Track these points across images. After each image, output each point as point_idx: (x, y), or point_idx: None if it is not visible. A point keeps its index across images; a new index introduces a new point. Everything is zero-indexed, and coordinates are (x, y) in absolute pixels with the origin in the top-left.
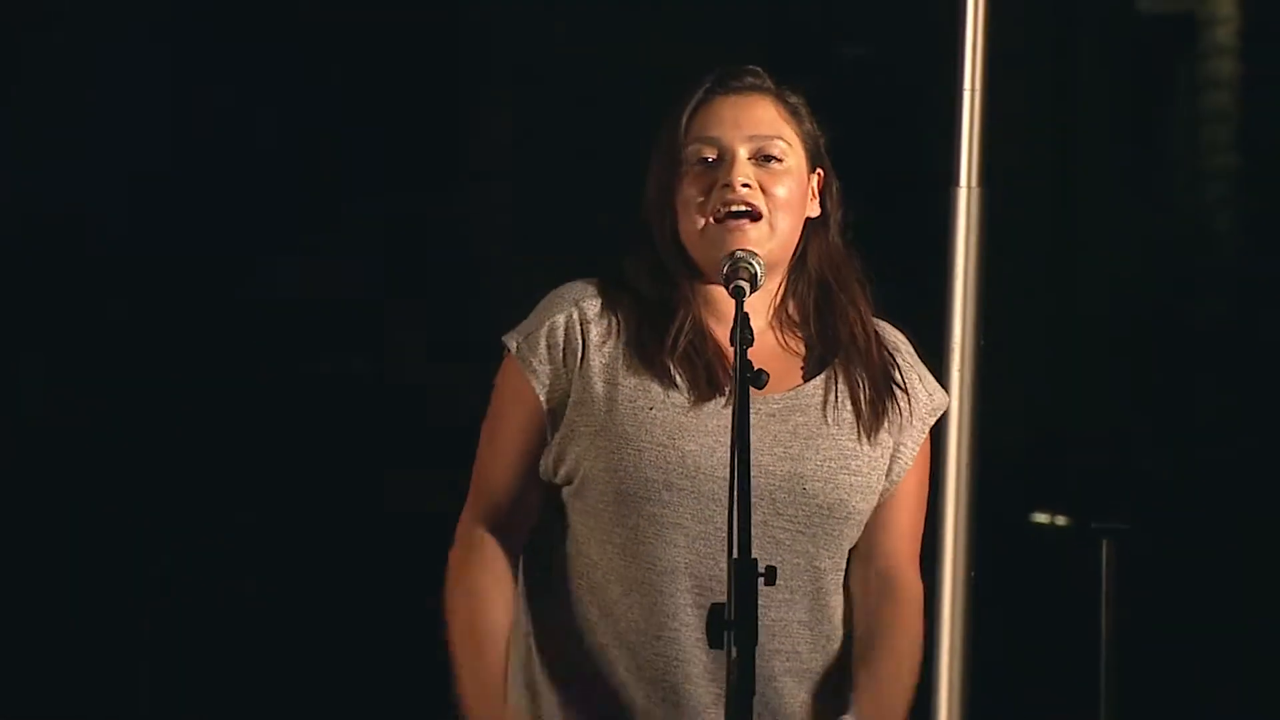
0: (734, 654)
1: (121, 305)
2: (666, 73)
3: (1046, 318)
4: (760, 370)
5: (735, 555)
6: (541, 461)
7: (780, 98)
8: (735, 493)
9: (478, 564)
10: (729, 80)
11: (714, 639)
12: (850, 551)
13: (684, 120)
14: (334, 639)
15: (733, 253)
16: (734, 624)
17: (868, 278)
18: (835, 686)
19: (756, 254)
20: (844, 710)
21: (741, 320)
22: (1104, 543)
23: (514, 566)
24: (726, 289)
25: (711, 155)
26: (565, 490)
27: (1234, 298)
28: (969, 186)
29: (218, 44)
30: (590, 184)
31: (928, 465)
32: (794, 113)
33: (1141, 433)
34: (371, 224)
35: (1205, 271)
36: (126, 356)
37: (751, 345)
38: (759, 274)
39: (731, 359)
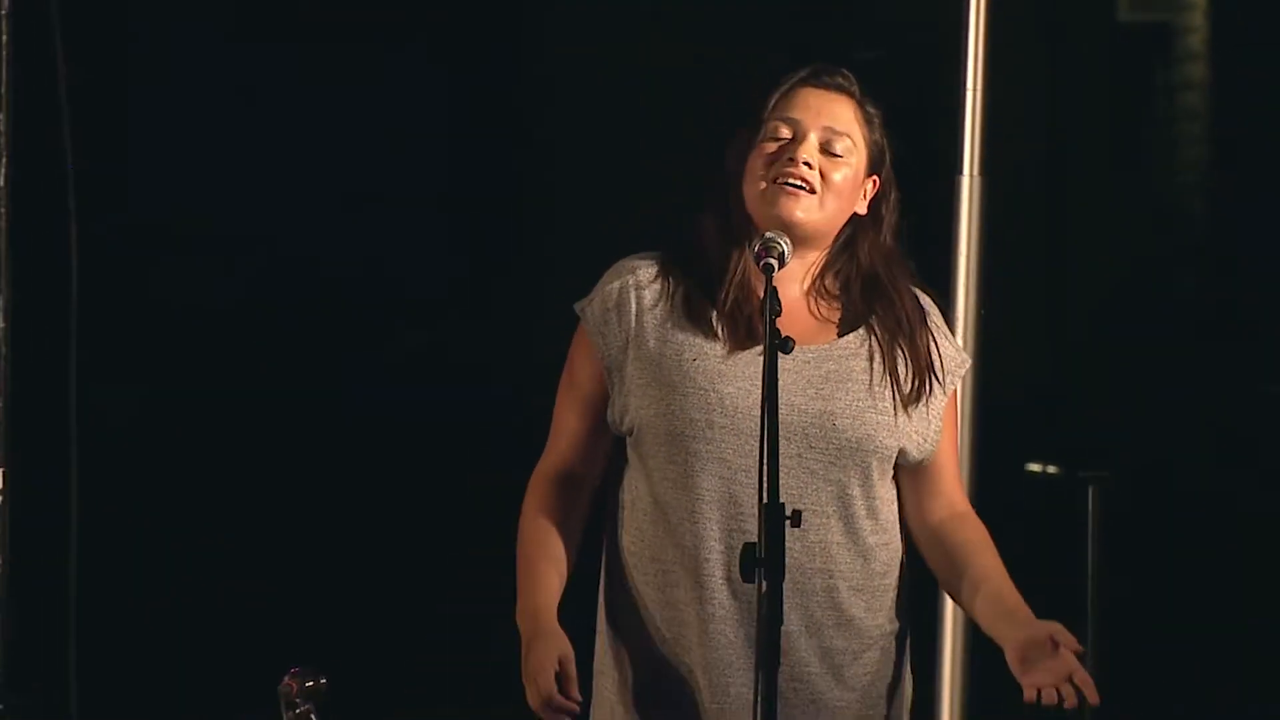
0: (764, 588)
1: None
2: (705, 70)
3: (1039, 289)
4: (788, 337)
5: (765, 500)
6: (609, 414)
7: (860, 104)
8: (765, 443)
9: (543, 502)
10: (822, 75)
11: (746, 574)
12: (917, 506)
13: (772, 100)
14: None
15: (764, 234)
16: (763, 561)
17: (912, 272)
18: (884, 598)
19: (783, 237)
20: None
21: (770, 294)
22: (1090, 489)
23: (578, 506)
24: (757, 264)
25: (787, 133)
26: (628, 440)
27: (1203, 271)
28: (971, 175)
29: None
30: (641, 170)
31: (957, 418)
32: (868, 120)
33: (1125, 391)
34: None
35: (1178, 248)
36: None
37: (779, 315)
38: (785, 253)
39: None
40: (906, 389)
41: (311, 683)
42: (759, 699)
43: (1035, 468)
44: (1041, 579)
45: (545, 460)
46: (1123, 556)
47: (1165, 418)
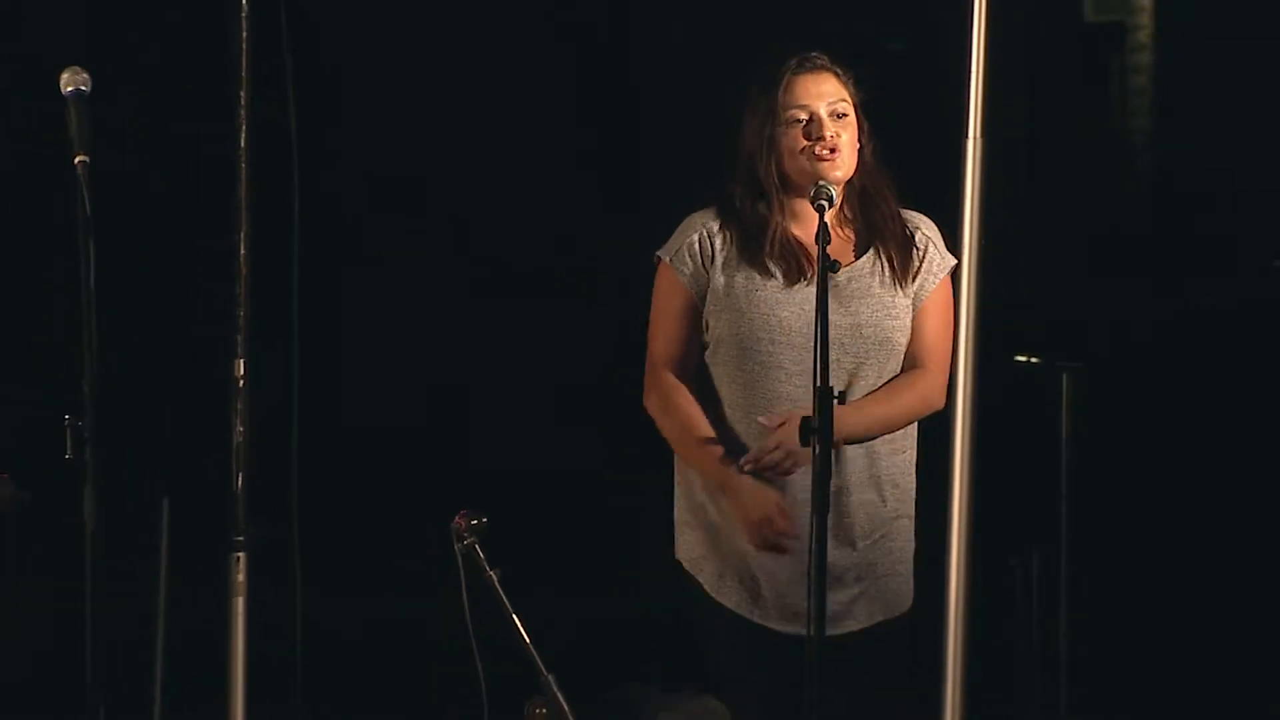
0: (816, 449)
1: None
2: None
3: (1027, 223)
4: (835, 260)
5: (818, 384)
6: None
7: (838, 73)
8: (818, 348)
9: (664, 385)
10: (805, 64)
11: (804, 440)
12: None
13: (779, 93)
14: None
15: (817, 183)
16: (816, 429)
17: (892, 180)
18: (901, 478)
19: (834, 185)
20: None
21: (822, 227)
22: (1064, 376)
23: (686, 383)
24: (813, 205)
25: (804, 116)
26: (706, 352)
27: (1148, 209)
28: (975, 137)
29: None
30: (710, 140)
31: (949, 306)
32: (846, 82)
33: (1090, 299)
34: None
35: (1129, 193)
36: None
37: (830, 244)
38: (834, 196)
39: (809, 252)
40: (902, 271)
41: (476, 521)
42: (813, 538)
43: (1022, 359)
44: (1026, 447)
45: (656, 365)
46: (1090, 429)
47: (1122, 321)
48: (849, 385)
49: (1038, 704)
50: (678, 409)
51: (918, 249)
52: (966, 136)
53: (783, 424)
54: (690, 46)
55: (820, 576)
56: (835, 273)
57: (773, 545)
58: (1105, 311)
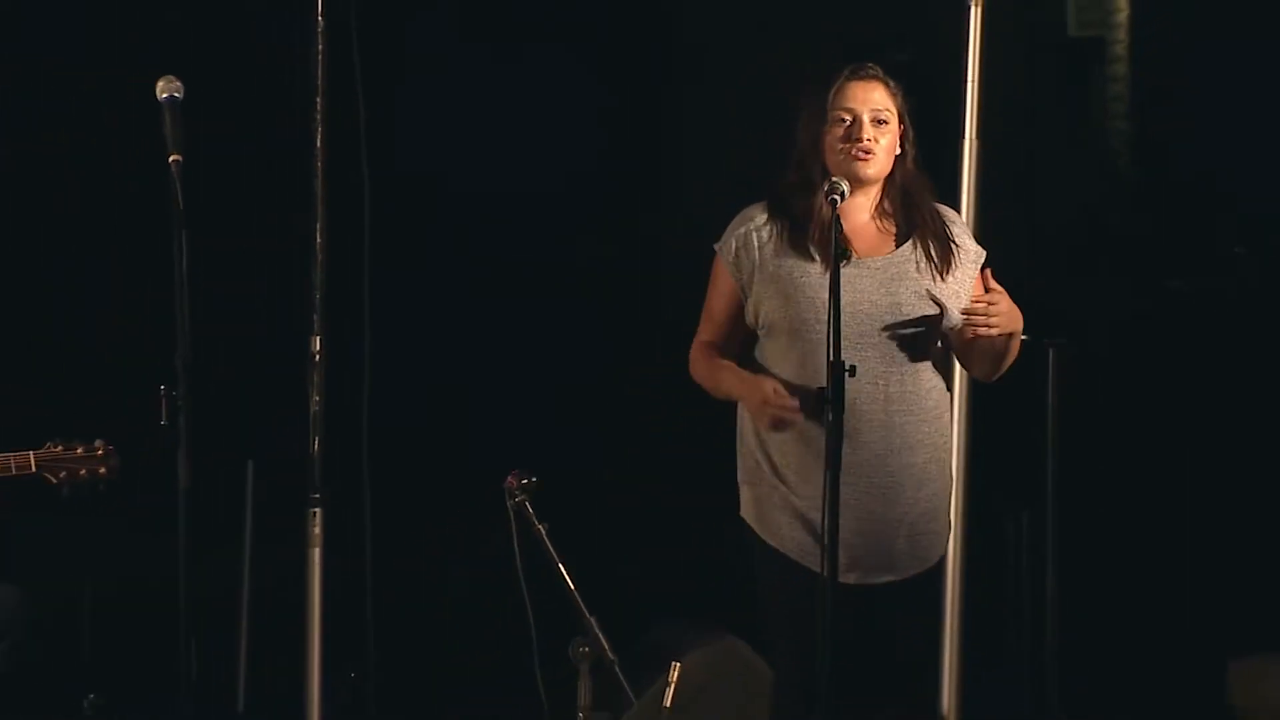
0: (829, 418)
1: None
2: (788, 66)
3: (1018, 213)
4: (849, 250)
5: (831, 359)
6: (746, 315)
7: (887, 84)
8: (832, 317)
9: (705, 355)
10: (859, 71)
11: (819, 409)
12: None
13: (830, 95)
14: None
15: (830, 179)
16: (831, 400)
17: (931, 182)
18: (935, 436)
19: (867, 182)
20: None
21: (836, 220)
22: (1051, 352)
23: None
24: (825, 199)
25: (848, 118)
26: (760, 333)
27: (1126, 203)
28: (971, 139)
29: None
30: (756, 138)
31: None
32: (895, 94)
33: (1076, 282)
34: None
35: (1109, 188)
36: None
37: (843, 232)
38: (845, 191)
39: (850, 238)
40: (939, 261)
41: (526, 480)
42: (828, 487)
43: None
44: (1017, 416)
45: (699, 339)
46: (1074, 400)
47: (1102, 302)
48: (892, 354)
49: (1029, 636)
50: (704, 360)
51: (954, 244)
52: (963, 138)
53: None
54: (714, 55)
55: (833, 529)
56: (846, 262)
57: (778, 421)
58: (1087, 294)
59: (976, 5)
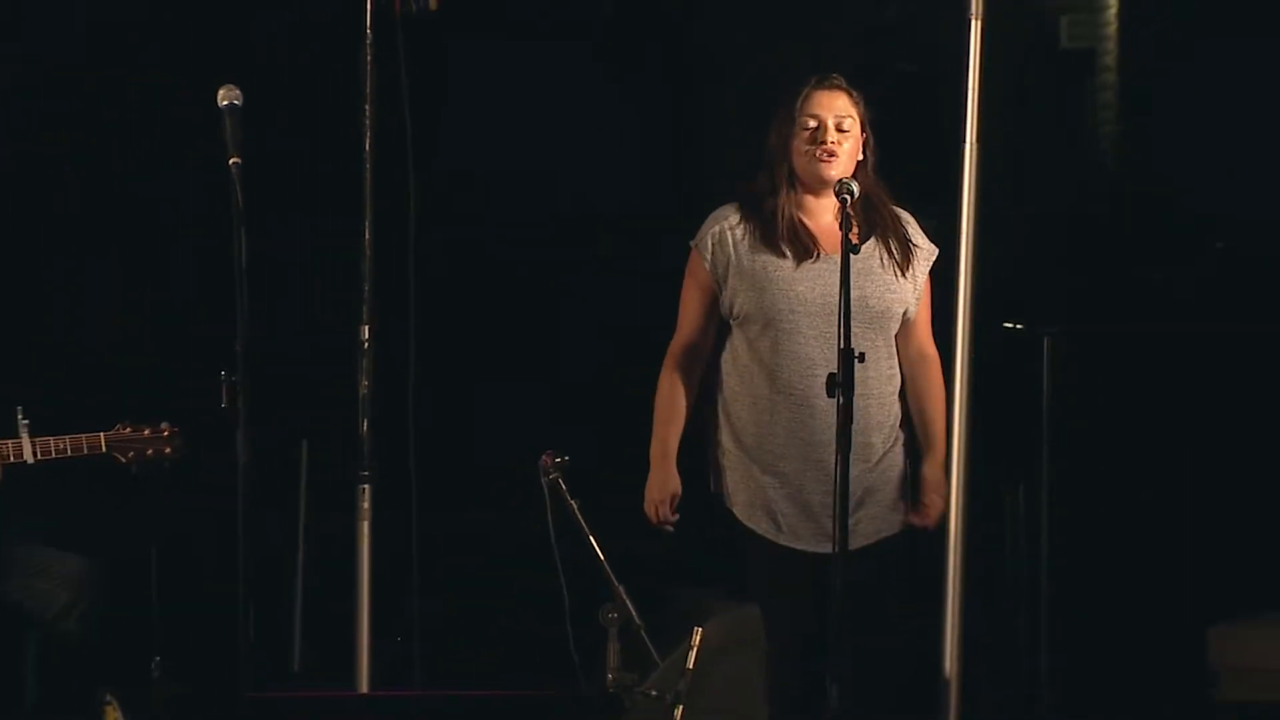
0: (840, 400)
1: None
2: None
3: (1013, 212)
4: (857, 243)
5: (842, 346)
6: (721, 307)
7: (850, 93)
8: (843, 308)
9: (673, 374)
10: (824, 82)
11: (829, 392)
12: (898, 345)
13: (799, 103)
14: None
15: (840, 180)
16: (841, 385)
17: (889, 189)
18: (890, 417)
19: (855, 182)
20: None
21: (845, 216)
22: (1045, 340)
23: (696, 373)
24: (837, 197)
25: (814, 124)
26: (733, 323)
27: (1113, 201)
28: (971, 143)
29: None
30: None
31: (930, 288)
32: (857, 102)
33: (1066, 275)
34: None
35: (1097, 188)
36: None
37: (852, 229)
38: (855, 191)
39: (814, 235)
40: (900, 259)
41: (559, 459)
42: (837, 467)
43: (1009, 325)
44: (1013, 398)
45: (676, 340)
46: (1065, 383)
47: (1091, 293)
48: (855, 343)
49: (1024, 598)
50: (666, 391)
51: (912, 244)
52: (964, 142)
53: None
54: (733, 58)
55: (844, 502)
56: (857, 254)
57: (656, 524)
58: (1078, 285)
59: (977, 19)
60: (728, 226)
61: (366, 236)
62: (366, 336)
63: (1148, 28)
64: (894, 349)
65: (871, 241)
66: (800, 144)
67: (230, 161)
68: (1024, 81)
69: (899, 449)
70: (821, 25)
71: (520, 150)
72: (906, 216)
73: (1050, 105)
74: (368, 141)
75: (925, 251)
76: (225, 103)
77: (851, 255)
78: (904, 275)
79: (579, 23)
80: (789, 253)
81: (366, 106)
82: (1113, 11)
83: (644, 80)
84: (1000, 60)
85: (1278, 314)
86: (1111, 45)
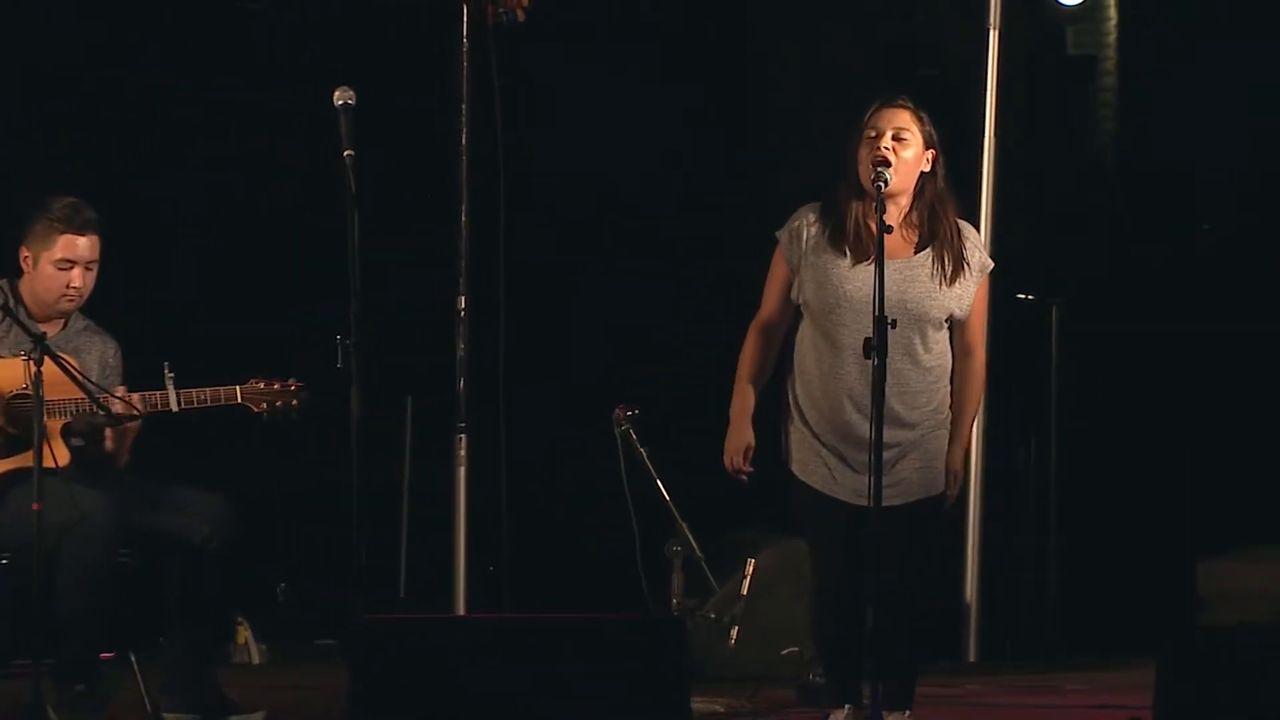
0: (874, 361)
1: None
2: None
3: (1024, 200)
4: (891, 225)
5: (876, 314)
6: (793, 293)
7: (913, 110)
8: (876, 291)
9: (755, 341)
10: (889, 102)
11: (866, 354)
12: (956, 341)
13: (867, 118)
14: None
15: (875, 167)
16: (875, 347)
17: (957, 203)
18: (930, 401)
19: (888, 166)
20: (943, 417)
21: (879, 190)
22: (1053, 309)
23: (774, 345)
24: (870, 184)
25: (875, 134)
26: (803, 308)
27: (1113, 190)
28: (990, 137)
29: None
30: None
31: (985, 297)
32: (918, 119)
33: (1071, 251)
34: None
35: (1099, 179)
36: None
37: (891, 232)
38: (886, 176)
39: (875, 241)
40: (949, 274)
41: (630, 412)
42: (873, 429)
43: (1021, 295)
44: (1026, 361)
45: (758, 316)
46: (1072, 348)
47: (1095, 268)
48: (895, 340)
49: (1036, 539)
50: (748, 355)
51: (966, 261)
52: (983, 136)
53: None
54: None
55: (878, 458)
56: (889, 233)
57: (732, 473)
58: (1082, 262)
59: (995, 30)
60: (806, 223)
61: (463, 219)
62: (463, 306)
63: (1146, 36)
64: (936, 342)
65: (926, 251)
66: (864, 154)
67: (344, 154)
68: (1035, 84)
69: (943, 431)
70: (856, 37)
71: (595, 145)
72: (969, 231)
73: (1057, 105)
74: (463, 137)
75: (977, 266)
76: (340, 102)
77: (897, 262)
78: (949, 285)
79: (644, 38)
80: (849, 253)
81: (463, 106)
82: (1113, 23)
83: (703, 87)
84: (1014, 66)
85: (1262, 289)
86: (1112, 52)
